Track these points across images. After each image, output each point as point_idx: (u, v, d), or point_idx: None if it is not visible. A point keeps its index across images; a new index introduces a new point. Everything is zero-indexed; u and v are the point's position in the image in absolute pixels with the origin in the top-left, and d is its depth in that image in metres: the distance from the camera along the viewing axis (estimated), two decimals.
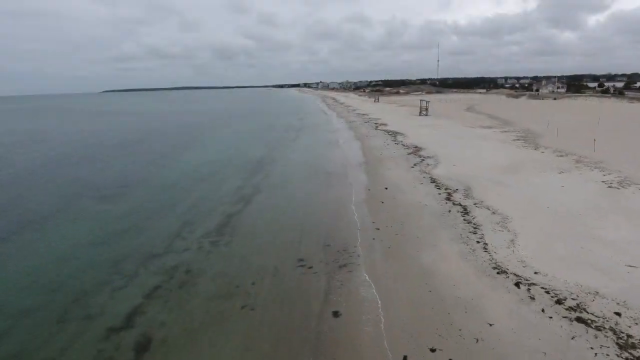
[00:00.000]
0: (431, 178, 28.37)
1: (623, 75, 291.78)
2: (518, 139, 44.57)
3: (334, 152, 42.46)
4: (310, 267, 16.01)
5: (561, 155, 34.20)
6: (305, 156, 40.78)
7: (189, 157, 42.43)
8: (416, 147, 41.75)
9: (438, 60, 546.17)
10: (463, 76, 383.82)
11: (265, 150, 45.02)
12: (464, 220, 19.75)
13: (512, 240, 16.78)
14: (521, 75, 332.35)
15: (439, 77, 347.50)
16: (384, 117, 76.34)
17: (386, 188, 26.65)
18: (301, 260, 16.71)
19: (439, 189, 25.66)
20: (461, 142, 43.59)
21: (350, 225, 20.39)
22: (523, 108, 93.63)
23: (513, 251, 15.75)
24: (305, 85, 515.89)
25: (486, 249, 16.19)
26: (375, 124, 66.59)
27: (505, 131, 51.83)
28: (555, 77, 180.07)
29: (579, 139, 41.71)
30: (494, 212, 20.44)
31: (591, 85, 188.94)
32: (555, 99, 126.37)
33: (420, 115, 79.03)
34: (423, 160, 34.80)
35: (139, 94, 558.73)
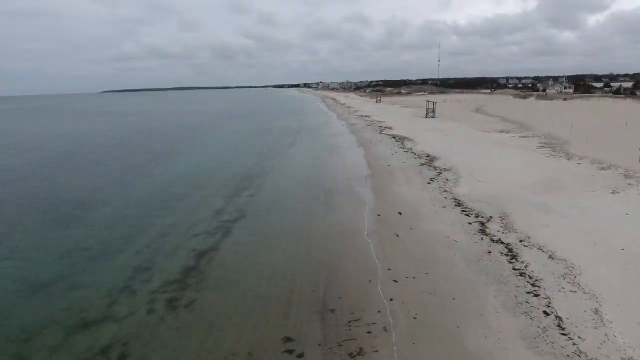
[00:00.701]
0: (455, 199, 23.12)
1: (626, 75, 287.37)
2: (543, 146, 39.31)
3: (334, 161, 37.20)
4: (301, 357, 10.78)
5: (604, 168, 28.94)
6: (302, 167, 35.53)
7: (170, 167, 37.19)
8: (429, 156, 36.50)
9: (439, 61, 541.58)
10: (463, 76, 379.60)
11: (256, 159, 39.76)
12: (514, 270, 14.51)
13: (597, 311, 11.54)
14: (522, 75, 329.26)
15: (440, 77, 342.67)
16: (388, 120, 71.10)
17: (400, 213, 21.42)
18: (289, 340, 11.48)
19: (467, 215, 20.43)
20: (479, 150, 38.34)
21: (359, 274, 15.17)
22: (534, 110, 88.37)
23: (606, 335, 10.49)
24: (306, 85, 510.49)
25: (563, 328, 10.93)
26: (379, 127, 61.36)
27: (525, 136, 46.57)
28: (562, 77, 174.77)
29: (614, 146, 36.49)
30: (552, 256, 15.19)
31: (597, 85, 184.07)
32: (565, 99, 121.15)
33: (426, 117, 73.79)
34: (440, 173, 29.54)
35: (139, 95, 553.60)
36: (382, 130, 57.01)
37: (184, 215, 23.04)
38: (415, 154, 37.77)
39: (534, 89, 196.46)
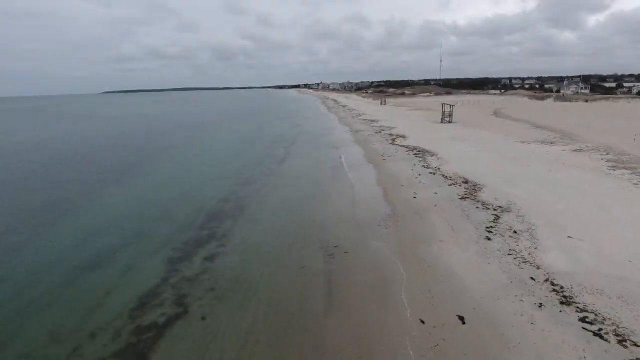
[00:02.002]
0: (553, 286, 13.19)
1: (631, 75, 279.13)
2: (616, 166, 29.41)
3: (338, 190, 27.27)
4: None
5: None
6: (291, 201, 25.48)
7: (111, 199, 27.12)
8: (467, 181, 26.64)
9: (441, 61, 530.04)
10: (463, 77, 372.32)
11: (233, 185, 29.83)
12: None
13: None
14: (523, 75, 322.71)
15: (442, 77, 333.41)
16: (398, 125, 61.22)
17: (462, 319, 11.58)
18: None
19: (601, 337, 10.52)
20: (533, 172, 28.47)
21: None
22: (560, 113, 78.41)
23: None
24: (306, 86, 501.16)
25: None
26: (390, 135, 51.48)
27: (579, 150, 36.68)
28: (577, 77, 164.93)
29: None
30: None
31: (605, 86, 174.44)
32: (587, 101, 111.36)
33: (442, 122, 63.91)
34: (497, 217, 19.63)
35: (138, 95, 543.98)
36: (394, 140, 47.11)
37: (86, 311, 13.15)
38: (447, 178, 27.88)
39: (544, 89, 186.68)
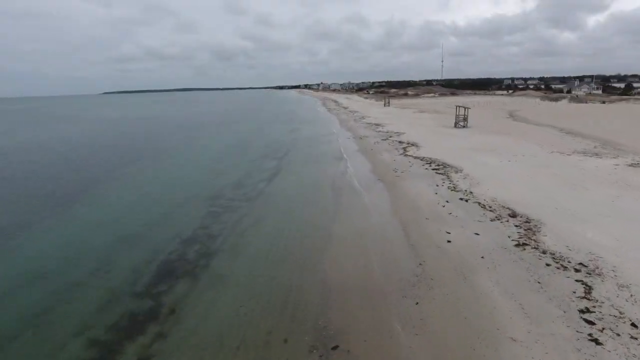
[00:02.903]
0: None
1: (634, 75, 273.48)
2: None
3: (339, 227, 20.45)
4: None
5: None
6: (275, 249, 18.54)
7: (39, 242, 20.34)
8: (514, 213, 19.87)
9: (442, 61, 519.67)
10: (463, 77, 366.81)
11: (202, 217, 22.93)
12: None
13: None
14: (525, 76, 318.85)
15: (443, 77, 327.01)
16: (407, 130, 54.43)
17: None
18: None
19: None
20: (594, 196, 21.66)
21: None
22: (582, 115, 71.51)
23: None
24: (306, 86, 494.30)
25: None
26: (399, 142, 44.68)
27: (636, 164, 29.87)
28: (589, 76, 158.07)
29: None
30: None
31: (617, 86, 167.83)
32: (603, 102, 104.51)
33: (456, 127, 57.11)
34: (588, 288, 12.77)
35: (138, 96, 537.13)
36: (405, 149, 40.30)
37: None
38: (486, 207, 21.08)
39: (551, 89, 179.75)
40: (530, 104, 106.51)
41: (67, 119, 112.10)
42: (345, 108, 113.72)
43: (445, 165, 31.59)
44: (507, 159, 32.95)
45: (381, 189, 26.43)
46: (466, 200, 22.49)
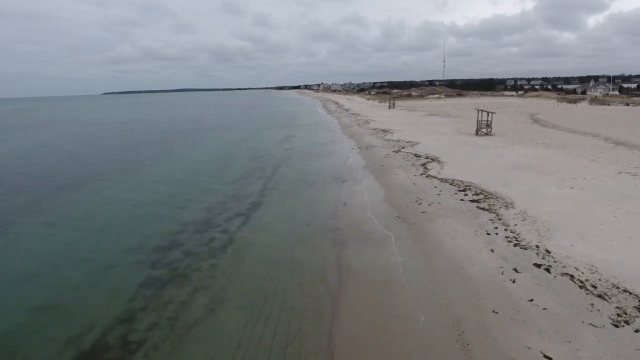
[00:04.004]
0: None
1: (638, 76, 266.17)
2: None
3: (342, 322, 12.11)
4: None
5: None
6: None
7: None
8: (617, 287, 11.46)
9: (444, 61, 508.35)
10: (463, 77, 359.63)
11: (129, 298, 14.56)
12: None
13: None
14: (527, 76, 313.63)
15: (445, 78, 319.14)
16: (422, 139, 46.07)
17: None
18: None
19: None
20: None
21: None
22: (615, 119, 63.10)
23: None
24: (306, 87, 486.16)
25: None
26: (416, 156, 36.35)
27: None
28: (605, 77, 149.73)
29: None
30: None
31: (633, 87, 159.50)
32: (627, 104, 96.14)
33: (478, 134, 48.78)
34: None
35: (137, 96, 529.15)
36: (425, 166, 31.96)
37: None
38: (592, 289, 12.72)
39: (560, 89, 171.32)
40: (548, 106, 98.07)
41: (43, 123, 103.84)
42: (346, 110, 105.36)
43: (486, 195, 23.22)
44: (568, 184, 24.54)
45: (405, 239, 18.06)
46: (547, 270, 14.12)
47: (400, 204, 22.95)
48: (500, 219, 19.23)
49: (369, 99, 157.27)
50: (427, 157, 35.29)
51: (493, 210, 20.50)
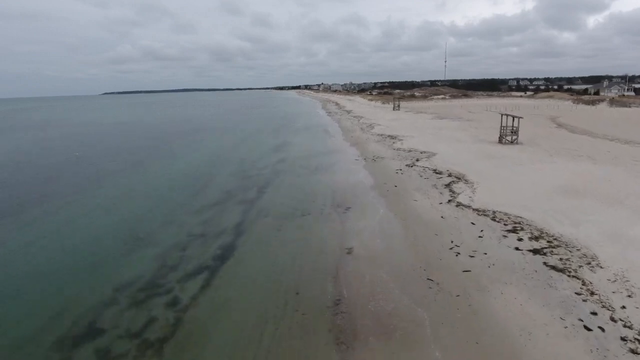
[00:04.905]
0: None
1: None
2: None
3: None
4: None
5: None
6: None
7: None
8: None
9: (445, 61, 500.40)
10: (463, 77, 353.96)
11: None
12: None
13: None
14: (528, 76, 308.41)
15: (446, 78, 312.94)
16: (438, 148, 39.34)
17: None
18: None
19: None
20: None
21: None
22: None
23: None
24: (306, 87, 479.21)
25: None
26: (436, 172, 29.60)
27: None
28: (620, 77, 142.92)
29: None
30: None
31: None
32: None
33: (501, 142, 42.03)
34: None
35: (137, 96, 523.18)
36: (449, 188, 25.21)
37: None
38: None
39: (562, 89, 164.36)
40: (565, 108, 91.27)
41: (28, 127, 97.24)
42: (348, 112, 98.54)
43: (550, 241, 16.44)
44: None
45: (449, 335, 11.31)
46: None
47: (428, 253, 16.21)
48: (592, 292, 12.48)
49: (371, 100, 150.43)
50: (450, 175, 28.52)
51: (572, 273, 13.75)
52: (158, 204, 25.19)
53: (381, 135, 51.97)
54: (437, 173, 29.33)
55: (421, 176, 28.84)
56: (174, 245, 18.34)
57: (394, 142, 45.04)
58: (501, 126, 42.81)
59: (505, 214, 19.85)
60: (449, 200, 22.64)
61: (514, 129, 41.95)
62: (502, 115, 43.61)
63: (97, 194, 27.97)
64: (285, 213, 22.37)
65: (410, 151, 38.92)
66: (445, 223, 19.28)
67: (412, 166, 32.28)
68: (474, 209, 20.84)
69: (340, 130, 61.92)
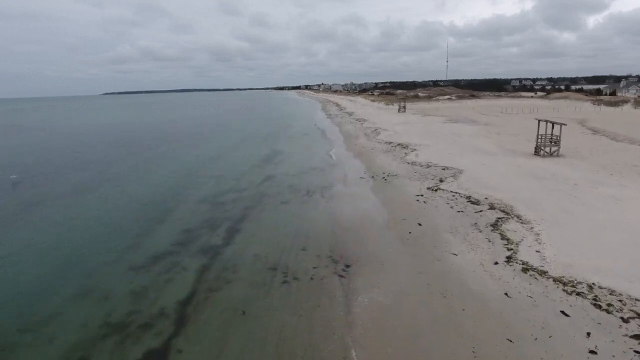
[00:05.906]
0: None
1: None
2: None
3: None
4: None
5: None
6: None
7: None
8: None
9: (447, 61, 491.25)
10: (463, 77, 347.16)
11: None
12: None
13: None
14: (528, 76, 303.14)
15: (447, 78, 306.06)
16: (461, 162, 31.72)
17: None
18: None
19: None
20: None
21: None
22: None
23: None
24: (306, 87, 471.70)
25: None
26: (470, 200, 21.97)
27: None
28: (635, 76, 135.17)
29: None
30: None
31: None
32: None
33: (538, 154, 34.42)
34: None
35: (136, 97, 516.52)
36: (499, 230, 17.58)
37: None
38: None
39: (581, 90, 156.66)
40: (587, 110, 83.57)
41: (13, 130, 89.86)
42: (349, 114, 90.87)
43: None
44: None
45: None
46: None
47: None
48: None
49: (373, 101, 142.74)
50: (491, 206, 20.87)
51: None
52: (86, 254, 17.53)
53: (389, 143, 44.34)
54: (472, 203, 21.70)
55: (452, 207, 21.24)
56: (77, 348, 10.74)
57: (406, 154, 37.42)
58: (538, 134, 35.12)
59: (612, 291, 12.24)
60: (508, 259, 15.02)
61: (555, 138, 34.31)
62: (539, 121, 35.83)
63: (14, 239, 20.35)
64: (256, 279, 14.71)
65: (429, 166, 31.29)
66: (513, 305, 11.69)
67: (435, 190, 24.65)
68: (554, 279, 13.23)
69: (341, 137, 54.34)
